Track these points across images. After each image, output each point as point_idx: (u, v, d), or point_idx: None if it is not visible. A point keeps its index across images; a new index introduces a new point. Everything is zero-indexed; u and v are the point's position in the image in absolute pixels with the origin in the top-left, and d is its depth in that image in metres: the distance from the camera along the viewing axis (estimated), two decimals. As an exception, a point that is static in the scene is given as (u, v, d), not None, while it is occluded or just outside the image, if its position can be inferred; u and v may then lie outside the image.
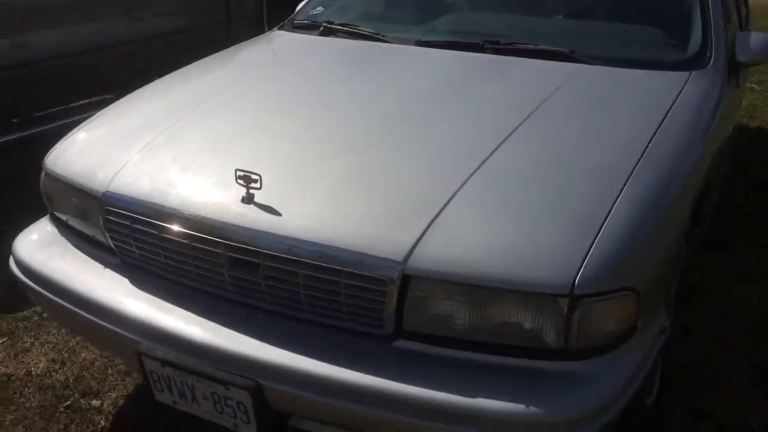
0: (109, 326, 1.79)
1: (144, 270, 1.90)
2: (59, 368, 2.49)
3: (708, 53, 2.48)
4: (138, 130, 2.14)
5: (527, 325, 1.56)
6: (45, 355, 2.56)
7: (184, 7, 4.96)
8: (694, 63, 2.44)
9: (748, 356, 2.53)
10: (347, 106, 2.21)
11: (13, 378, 2.45)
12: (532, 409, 1.48)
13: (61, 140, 2.21)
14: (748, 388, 2.37)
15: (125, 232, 1.87)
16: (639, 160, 1.83)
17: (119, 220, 1.87)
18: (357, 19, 2.95)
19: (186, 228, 1.75)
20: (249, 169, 1.69)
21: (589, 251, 1.54)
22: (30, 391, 2.38)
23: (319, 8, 3.16)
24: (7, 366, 2.51)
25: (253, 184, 1.69)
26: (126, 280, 1.89)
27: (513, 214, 1.67)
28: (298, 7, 3.28)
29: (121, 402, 2.33)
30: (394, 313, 1.60)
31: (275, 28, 3.12)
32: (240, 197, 1.71)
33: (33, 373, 2.47)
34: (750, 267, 3.05)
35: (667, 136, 1.97)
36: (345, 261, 1.59)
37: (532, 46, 2.52)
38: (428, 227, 1.61)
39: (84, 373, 2.45)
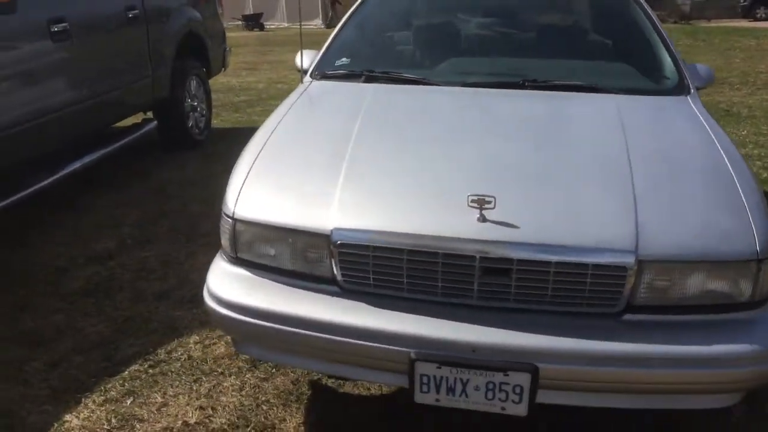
0: (380, 345, 2.04)
1: (371, 294, 2.16)
2: (213, 414, 2.58)
3: (685, 82, 3.21)
4: (317, 169, 2.40)
5: (726, 287, 2.08)
6: (188, 404, 2.63)
7: (118, 65, 4.97)
8: (681, 90, 3.15)
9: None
10: (489, 133, 2.62)
11: (175, 431, 2.50)
12: (755, 346, 2.00)
13: (236, 190, 2.34)
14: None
15: (363, 261, 2.12)
16: (727, 161, 2.43)
17: (356, 252, 2.11)
18: (388, 67, 3.35)
19: (437, 249, 2.05)
20: (478, 192, 2.04)
21: (752, 227, 2.10)
22: (207, 439, 2.48)
23: (344, 59, 3.50)
24: (159, 421, 2.55)
25: (487, 205, 2.05)
26: (363, 305, 2.13)
27: (687, 205, 2.18)
28: (303, 63, 3.59)
29: (303, 428, 2.50)
30: (629, 293, 2.04)
31: (309, 81, 3.37)
32: (476, 216, 2.06)
33: (191, 422, 2.54)
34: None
35: (725, 144, 2.59)
36: (591, 256, 2.01)
37: (564, 82, 3.10)
38: (637, 222, 2.08)
39: (246, 413, 2.57)
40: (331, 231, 2.13)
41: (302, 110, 2.97)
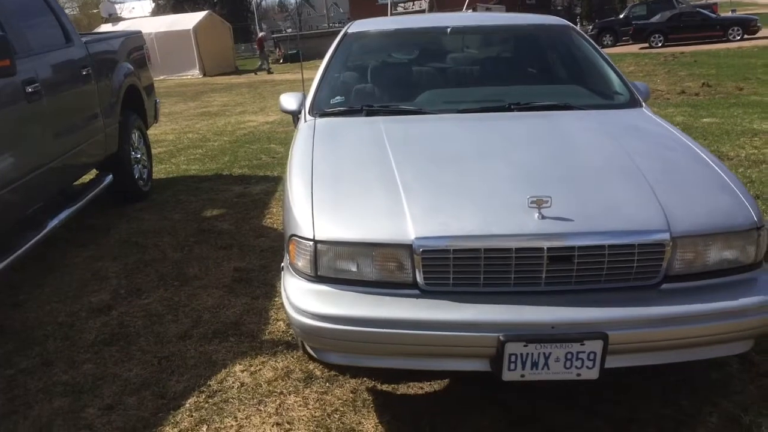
0: (470, 334, 2.34)
1: (450, 293, 2.46)
2: (291, 428, 2.76)
3: (635, 96, 3.77)
4: (375, 189, 2.69)
5: (737, 253, 2.53)
6: (263, 423, 2.80)
7: (79, 122, 5.02)
8: (635, 103, 3.71)
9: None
10: (510, 147, 3.03)
11: (263, 446, 2.67)
12: (762, 297, 2.45)
13: (308, 217, 2.57)
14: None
15: (443, 264, 2.42)
16: (701, 153, 2.95)
17: (438, 256, 2.41)
18: (382, 102, 3.71)
19: (510, 246, 2.39)
20: (535, 194, 2.42)
21: (745, 202, 2.59)
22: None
23: (338, 98, 3.81)
24: (242, 441, 2.71)
25: (544, 204, 2.42)
26: (445, 302, 2.43)
27: (691, 190, 2.66)
28: (291, 105, 3.91)
29: (381, 427, 2.73)
30: (666, 266, 2.45)
31: (311, 119, 3.64)
32: (536, 215, 2.42)
33: (273, 438, 2.71)
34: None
35: (692, 141, 3.11)
36: (637, 237, 2.41)
37: (542, 103, 3.56)
38: (662, 207, 2.51)
39: (322, 422, 2.77)
40: (413, 240, 2.42)
41: (326, 144, 3.23)
